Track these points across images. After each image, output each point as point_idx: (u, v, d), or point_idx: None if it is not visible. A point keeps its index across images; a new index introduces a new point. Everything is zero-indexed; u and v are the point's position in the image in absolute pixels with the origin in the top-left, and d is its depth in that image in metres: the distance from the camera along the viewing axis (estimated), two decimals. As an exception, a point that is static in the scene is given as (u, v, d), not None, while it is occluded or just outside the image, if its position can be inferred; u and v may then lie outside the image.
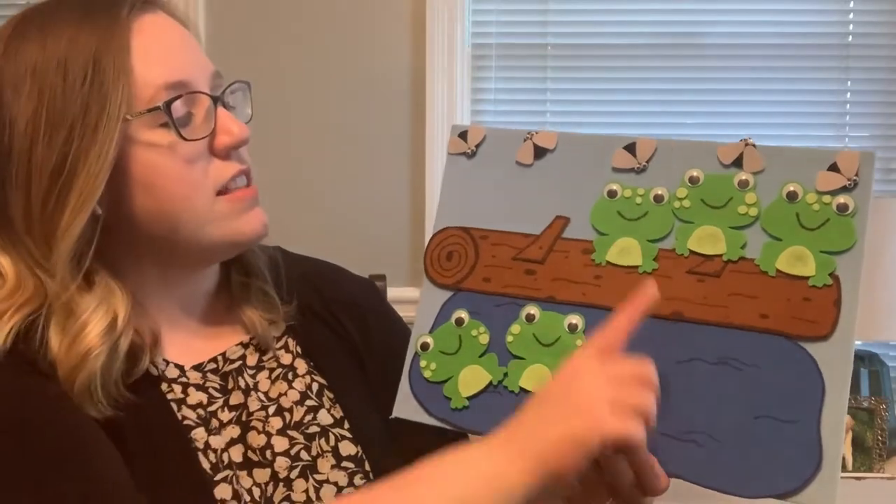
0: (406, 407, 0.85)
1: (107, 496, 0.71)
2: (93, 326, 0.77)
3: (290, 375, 0.91)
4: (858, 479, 1.75)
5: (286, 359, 0.92)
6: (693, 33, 2.24)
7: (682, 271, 0.78)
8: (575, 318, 0.81)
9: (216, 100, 0.82)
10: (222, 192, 0.82)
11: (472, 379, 0.83)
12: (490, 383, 0.82)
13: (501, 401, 0.81)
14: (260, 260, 0.93)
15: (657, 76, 2.24)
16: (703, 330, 0.76)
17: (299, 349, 0.93)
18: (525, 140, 0.86)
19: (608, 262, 0.81)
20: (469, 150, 0.88)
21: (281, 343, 0.92)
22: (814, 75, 2.22)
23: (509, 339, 0.83)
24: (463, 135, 0.89)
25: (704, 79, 2.24)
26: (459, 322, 0.85)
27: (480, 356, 0.83)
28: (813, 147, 0.77)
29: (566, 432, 0.67)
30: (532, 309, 0.82)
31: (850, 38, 2.22)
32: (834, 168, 0.76)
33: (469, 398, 0.83)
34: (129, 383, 0.79)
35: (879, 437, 1.78)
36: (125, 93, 0.78)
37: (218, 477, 0.81)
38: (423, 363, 0.86)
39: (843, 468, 1.79)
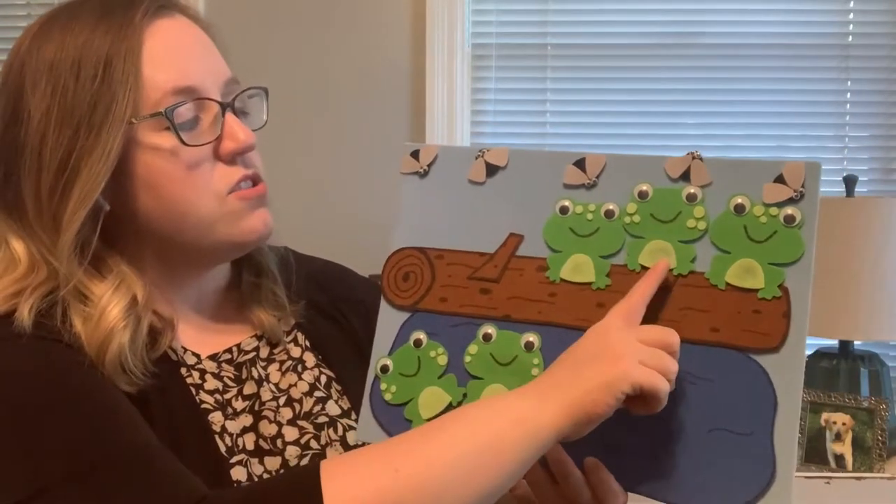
0: (368, 430, 0.85)
1: (144, 455, 0.72)
2: (113, 306, 0.80)
3: (299, 368, 0.93)
4: (858, 479, 1.75)
5: (296, 352, 0.94)
6: (693, 33, 2.24)
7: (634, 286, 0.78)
8: (531, 337, 0.80)
9: (224, 106, 0.83)
10: (233, 189, 0.84)
11: (432, 400, 0.83)
12: (450, 404, 0.82)
13: None
14: (270, 260, 0.95)
15: (657, 76, 2.24)
16: None
17: (308, 343, 0.95)
18: (477, 158, 0.85)
19: (562, 280, 0.80)
20: (421, 170, 0.88)
21: (290, 337, 0.95)
22: (814, 75, 2.22)
23: (467, 359, 0.82)
24: (415, 154, 0.88)
25: (704, 79, 2.24)
26: (418, 343, 0.85)
27: (439, 377, 0.83)
28: (759, 159, 0.77)
29: (597, 378, 0.70)
30: (489, 328, 0.82)
31: (850, 38, 2.21)
32: (780, 180, 0.75)
33: (430, 420, 0.82)
34: (152, 362, 0.81)
35: (879, 437, 1.77)
36: (132, 95, 0.79)
37: (233, 460, 0.83)
38: (383, 386, 0.85)
39: (843, 468, 1.79)
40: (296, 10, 2.24)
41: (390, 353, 0.86)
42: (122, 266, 0.83)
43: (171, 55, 0.82)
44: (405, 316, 0.86)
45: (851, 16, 2.21)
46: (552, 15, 2.27)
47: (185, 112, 0.81)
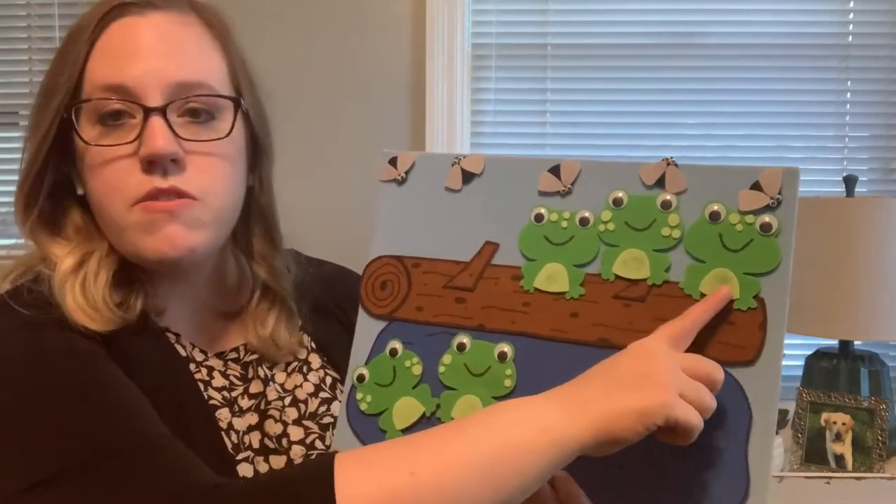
0: (344, 439, 0.84)
1: (158, 443, 0.71)
2: (68, 260, 0.83)
3: (304, 369, 0.93)
4: (858, 479, 1.75)
5: (301, 353, 0.94)
6: (693, 33, 2.24)
7: (608, 296, 0.77)
8: (505, 347, 0.79)
9: (148, 110, 0.80)
10: (141, 201, 0.80)
11: (406, 411, 0.82)
12: (423, 415, 0.81)
13: None
14: (287, 287, 0.93)
15: (657, 76, 2.24)
16: None
17: (314, 345, 0.96)
18: (453, 165, 0.84)
19: (536, 289, 0.79)
20: (399, 177, 0.87)
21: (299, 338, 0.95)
22: (814, 75, 2.21)
23: (441, 369, 0.81)
24: (393, 161, 0.88)
25: (704, 79, 2.24)
26: (393, 353, 0.84)
27: (414, 387, 0.82)
28: (735, 165, 0.75)
29: (633, 404, 0.66)
30: (463, 338, 0.81)
31: (850, 38, 2.21)
32: (756, 186, 0.73)
33: (403, 430, 0.81)
34: (157, 359, 0.82)
35: (879, 437, 1.77)
36: (71, 87, 0.81)
37: (240, 457, 0.83)
38: (359, 395, 0.84)
39: (843, 468, 1.78)
40: (296, 11, 2.24)
41: (367, 363, 0.85)
42: (92, 233, 0.85)
43: (116, 53, 0.81)
44: (382, 325, 0.85)
45: (851, 16, 2.21)
46: (552, 15, 2.27)
47: (111, 111, 0.80)
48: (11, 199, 0.87)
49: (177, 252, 0.81)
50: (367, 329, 0.86)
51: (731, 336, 0.72)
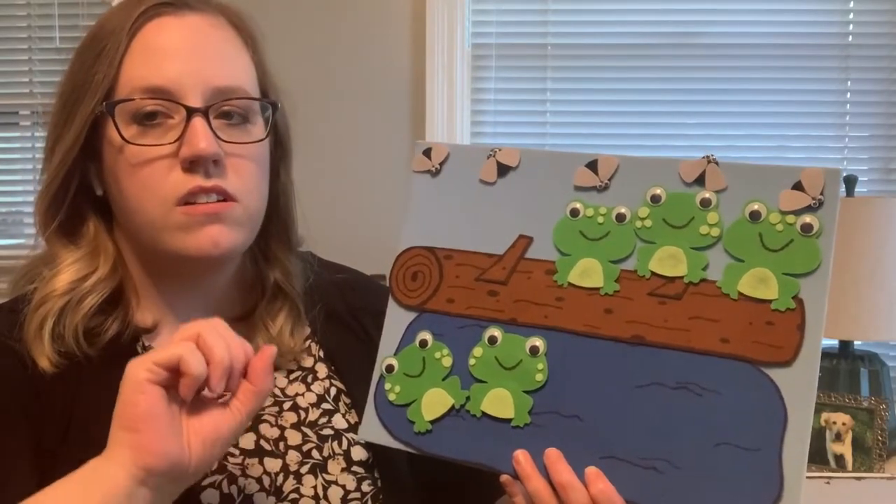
0: (371, 429, 0.84)
1: None
2: (65, 275, 0.83)
3: (309, 378, 0.92)
4: (858, 479, 1.75)
5: (308, 362, 0.93)
6: (693, 33, 2.24)
7: (643, 293, 0.77)
8: (537, 341, 0.79)
9: (191, 111, 0.80)
10: (184, 203, 0.80)
11: (435, 402, 0.82)
12: (452, 407, 0.81)
13: (464, 425, 0.80)
14: (296, 289, 0.92)
15: (657, 76, 2.24)
16: (663, 354, 0.75)
17: (322, 353, 0.94)
18: (488, 157, 0.84)
19: (570, 284, 0.79)
20: (433, 168, 0.87)
21: (303, 346, 0.93)
22: (814, 75, 2.22)
23: (472, 361, 0.81)
24: (427, 152, 0.87)
25: (704, 79, 2.24)
26: (423, 344, 0.84)
27: (443, 379, 0.82)
28: (777, 164, 0.74)
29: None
30: (494, 331, 0.81)
31: (850, 38, 2.22)
32: (798, 186, 0.73)
33: (432, 422, 0.81)
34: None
35: (879, 437, 1.77)
36: (106, 86, 0.81)
37: (205, 482, 0.82)
38: (387, 385, 0.84)
39: (843, 468, 1.79)
40: (295, 11, 2.24)
41: (396, 353, 0.85)
42: (104, 244, 0.85)
43: (154, 55, 0.81)
44: (412, 316, 0.85)
45: (851, 16, 2.22)
46: (552, 15, 2.27)
47: (149, 112, 0.80)
48: (11, 199, 0.87)
49: (220, 251, 0.81)
50: (396, 319, 0.86)
51: (769, 336, 0.72)
